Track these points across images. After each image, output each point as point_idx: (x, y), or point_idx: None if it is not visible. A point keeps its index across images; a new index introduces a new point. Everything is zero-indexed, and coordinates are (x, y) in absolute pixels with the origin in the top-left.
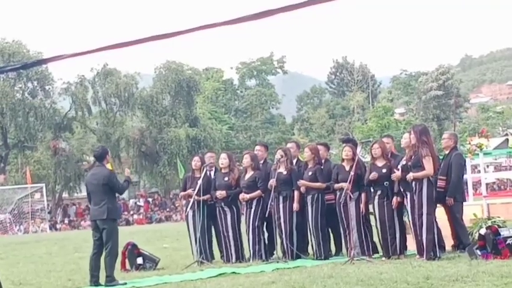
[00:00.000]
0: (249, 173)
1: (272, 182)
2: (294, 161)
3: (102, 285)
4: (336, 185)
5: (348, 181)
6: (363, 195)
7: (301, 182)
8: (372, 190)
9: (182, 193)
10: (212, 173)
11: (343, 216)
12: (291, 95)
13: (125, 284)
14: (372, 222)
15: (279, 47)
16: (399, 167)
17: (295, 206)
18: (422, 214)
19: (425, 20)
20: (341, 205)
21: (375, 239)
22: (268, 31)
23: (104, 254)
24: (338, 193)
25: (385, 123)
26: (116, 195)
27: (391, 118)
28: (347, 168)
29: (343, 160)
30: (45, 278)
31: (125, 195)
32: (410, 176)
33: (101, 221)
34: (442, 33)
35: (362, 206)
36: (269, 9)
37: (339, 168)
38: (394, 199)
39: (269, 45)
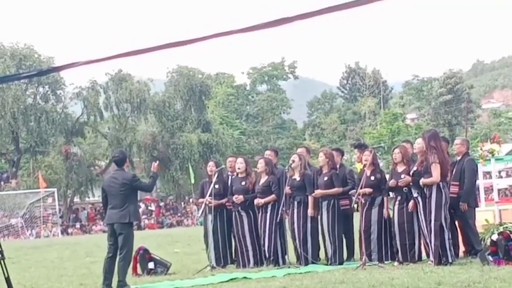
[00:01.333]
0: (264, 178)
1: (287, 189)
2: None
3: None
4: (362, 190)
5: (361, 186)
6: (385, 199)
7: (317, 192)
8: (392, 195)
9: (201, 200)
10: (230, 177)
11: (363, 220)
12: (302, 100)
13: None
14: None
15: (290, 52)
16: (410, 172)
17: (310, 211)
18: (431, 220)
19: (437, 25)
20: (364, 209)
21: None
22: (279, 36)
23: (118, 258)
24: (354, 198)
25: (395, 129)
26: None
27: (401, 123)
28: (368, 173)
29: (364, 165)
30: (56, 283)
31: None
32: (421, 182)
33: (119, 225)
34: (454, 39)
35: (384, 210)
36: (285, 17)
37: (361, 174)
38: (411, 202)
39: (280, 50)
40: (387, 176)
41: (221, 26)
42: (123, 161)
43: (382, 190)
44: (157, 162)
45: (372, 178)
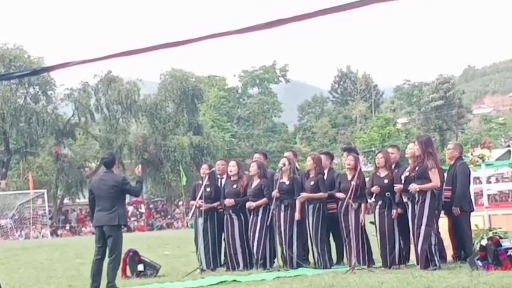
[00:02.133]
0: (256, 181)
1: (275, 192)
2: None
3: None
4: (337, 194)
5: (350, 190)
6: (362, 205)
7: (302, 195)
8: (373, 200)
9: (192, 202)
10: (222, 180)
11: (343, 225)
12: (293, 103)
13: None
14: (373, 232)
15: (282, 55)
16: (402, 177)
17: (297, 215)
18: (421, 224)
19: (429, 31)
20: (342, 214)
21: (375, 249)
22: (271, 40)
23: (108, 260)
24: (340, 202)
25: (386, 133)
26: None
27: (392, 128)
28: (349, 177)
29: (346, 169)
30: (45, 284)
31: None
32: (416, 187)
33: (109, 228)
34: (445, 44)
35: (361, 216)
36: (281, 19)
37: (341, 177)
38: (394, 211)
39: (272, 53)
40: (368, 181)
41: (216, 27)
42: (112, 163)
43: (360, 195)
44: (140, 166)
45: (353, 183)
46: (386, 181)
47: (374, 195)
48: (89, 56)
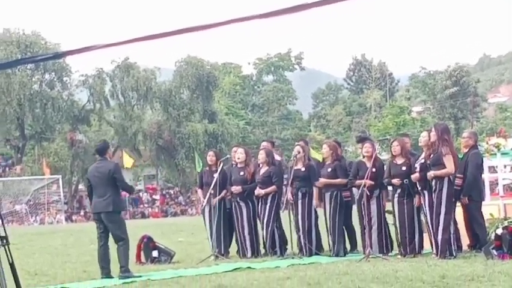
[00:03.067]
0: (264, 168)
1: (290, 180)
2: None
3: (113, 277)
4: (358, 181)
5: (366, 177)
6: (383, 192)
7: (321, 180)
8: (391, 188)
9: (199, 190)
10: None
11: (363, 213)
12: (307, 91)
13: (140, 276)
14: (390, 221)
15: (297, 43)
16: (417, 165)
17: (316, 202)
18: (440, 213)
19: (445, 19)
20: (361, 202)
21: (393, 237)
22: (286, 27)
23: (117, 246)
24: (357, 190)
25: (401, 121)
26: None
27: (407, 116)
28: (368, 165)
29: (363, 157)
30: (60, 269)
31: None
32: (431, 174)
33: (106, 214)
34: (461, 33)
35: (383, 203)
36: (304, 3)
37: (359, 165)
38: (416, 198)
39: (287, 41)
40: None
41: (238, 12)
42: (104, 150)
43: (380, 183)
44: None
45: (374, 170)
46: (404, 168)
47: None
48: (109, 41)
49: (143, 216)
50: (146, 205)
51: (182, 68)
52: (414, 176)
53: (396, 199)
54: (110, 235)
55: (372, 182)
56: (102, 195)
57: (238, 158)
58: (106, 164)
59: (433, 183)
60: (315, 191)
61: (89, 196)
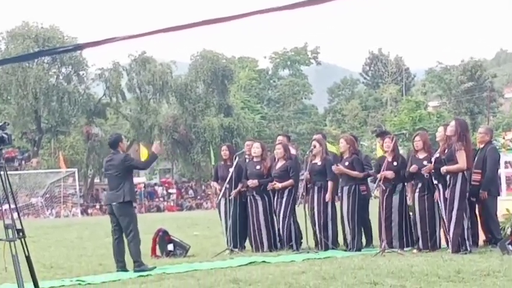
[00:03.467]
0: (281, 162)
1: (306, 174)
2: None
3: (128, 270)
4: (380, 174)
5: (382, 170)
6: (407, 186)
7: (338, 167)
8: (412, 183)
9: (215, 184)
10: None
11: (383, 207)
12: (323, 85)
13: (155, 267)
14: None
15: (313, 37)
16: (432, 159)
17: (328, 196)
18: (453, 209)
19: (461, 14)
20: (384, 196)
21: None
22: (303, 21)
23: (126, 240)
24: (373, 185)
25: (417, 116)
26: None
27: (423, 111)
28: (390, 159)
29: (385, 152)
30: (76, 262)
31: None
32: (443, 169)
33: (117, 206)
34: (478, 28)
35: (409, 196)
36: None
37: (381, 160)
38: (436, 192)
39: (304, 35)
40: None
41: (260, 4)
42: (116, 143)
43: (403, 177)
44: (159, 142)
45: (395, 164)
46: (425, 162)
47: (414, 177)
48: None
49: (159, 209)
50: (161, 199)
51: (197, 62)
52: (426, 168)
53: (417, 194)
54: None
55: (392, 173)
56: (115, 187)
57: (255, 152)
58: (117, 156)
59: (447, 178)
60: (329, 185)
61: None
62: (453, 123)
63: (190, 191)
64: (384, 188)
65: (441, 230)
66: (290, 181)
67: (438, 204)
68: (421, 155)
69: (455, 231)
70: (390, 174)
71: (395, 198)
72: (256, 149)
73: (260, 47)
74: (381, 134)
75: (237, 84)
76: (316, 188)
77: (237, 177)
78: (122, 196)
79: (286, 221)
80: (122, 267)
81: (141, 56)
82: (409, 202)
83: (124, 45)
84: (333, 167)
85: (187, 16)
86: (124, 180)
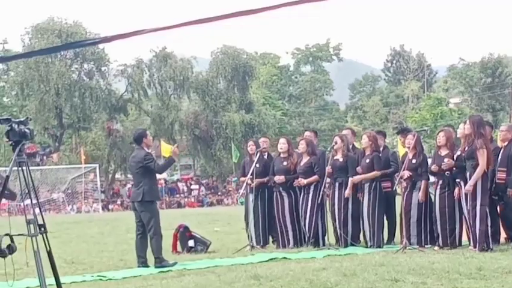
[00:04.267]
0: (305, 159)
1: (328, 168)
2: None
3: (150, 266)
4: (402, 172)
5: (404, 169)
6: (423, 183)
7: (356, 177)
8: (433, 180)
9: (243, 178)
10: (265, 157)
11: (403, 204)
12: (345, 82)
13: (176, 263)
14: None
15: (335, 33)
16: (454, 157)
17: (347, 192)
18: (476, 205)
19: (483, 10)
20: (405, 193)
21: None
22: (325, 17)
23: (148, 236)
24: (396, 181)
25: (439, 113)
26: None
27: (445, 108)
28: (411, 156)
29: (408, 148)
30: (97, 258)
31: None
32: (470, 185)
33: (138, 204)
34: (500, 24)
35: (421, 194)
36: None
37: (404, 157)
38: (456, 190)
39: (326, 31)
40: (430, 160)
41: None
42: (140, 139)
43: (423, 174)
44: (177, 146)
45: (414, 161)
46: (446, 160)
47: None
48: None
49: (180, 205)
50: (182, 195)
51: (218, 57)
52: (446, 164)
53: (438, 191)
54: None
55: (409, 173)
56: (136, 184)
57: (281, 148)
58: (139, 153)
59: (468, 175)
60: (350, 181)
61: None
62: (468, 121)
63: (217, 187)
64: (405, 184)
65: (464, 227)
66: (315, 177)
67: (459, 201)
68: (443, 152)
69: (480, 228)
70: (406, 174)
71: (415, 195)
72: (282, 144)
73: (282, 43)
74: (402, 131)
75: (258, 81)
76: (337, 184)
77: (263, 173)
78: (142, 195)
79: (313, 218)
80: (143, 263)
81: (162, 52)
82: (421, 198)
83: (144, 40)
84: (352, 179)
85: (211, 9)
86: (145, 179)
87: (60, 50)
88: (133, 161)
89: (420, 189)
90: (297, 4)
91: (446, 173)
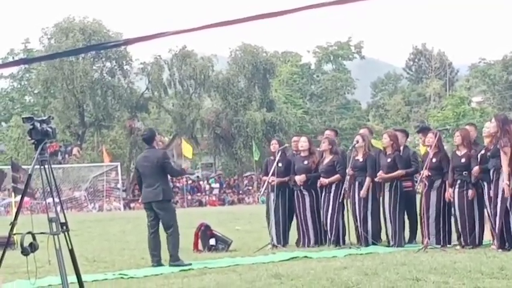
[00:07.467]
0: (328, 158)
1: (349, 171)
2: None
3: (164, 265)
4: (422, 171)
5: (425, 168)
6: (446, 183)
7: (379, 175)
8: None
9: (265, 178)
10: (287, 156)
11: (423, 203)
12: (366, 80)
13: (190, 264)
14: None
15: (356, 32)
16: (478, 156)
17: (363, 192)
18: (497, 203)
19: (505, 9)
20: (424, 192)
21: (453, 228)
22: (346, 16)
23: (166, 234)
24: (418, 181)
25: (461, 112)
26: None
27: (467, 107)
28: (431, 155)
29: (429, 147)
30: (118, 256)
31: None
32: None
33: (156, 203)
34: None
35: (447, 194)
36: None
37: (424, 156)
38: (470, 191)
39: (347, 30)
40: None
41: None
42: (151, 139)
43: (444, 173)
44: (188, 164)
45: (434, 160)
46: (463, 160)
47: (453, 174)
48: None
49: (201, 204)
50: (203, 193)
51: (237, 56)
52: (475, 170)
53: (456, 190)
54: (160, 223)
55: (428, 173)
56: (151, 184)
57: (302, 147)
58: (153, 152)
59: (491, 173)
60: (367, 180)
61: (139, 185)
62: (493, 119)
63: (238, 186)
64: (426, 183)
65: (488, 226)
66: (337, 176)
67: (479, 200)
68: (460, 152)
69: (499, 226)
70: (426, 173)
71: (433, 194)
72: (303, 143)
73: (303, 41)
74: (423, 130)
75: (278, 79)
76: (357, 183)
77: (285, 171)
78: (161, 195)
79: (335, 217)
80: (157, 261)
81: (182, 51)
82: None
83: (165, 39)
84: (376, 178)
85: (232, 11)
86: (161, 178)
87: (83, 53)
88: (146, 161)
89: (438, 188)
90: (317, 7)
91: (464, 173)
